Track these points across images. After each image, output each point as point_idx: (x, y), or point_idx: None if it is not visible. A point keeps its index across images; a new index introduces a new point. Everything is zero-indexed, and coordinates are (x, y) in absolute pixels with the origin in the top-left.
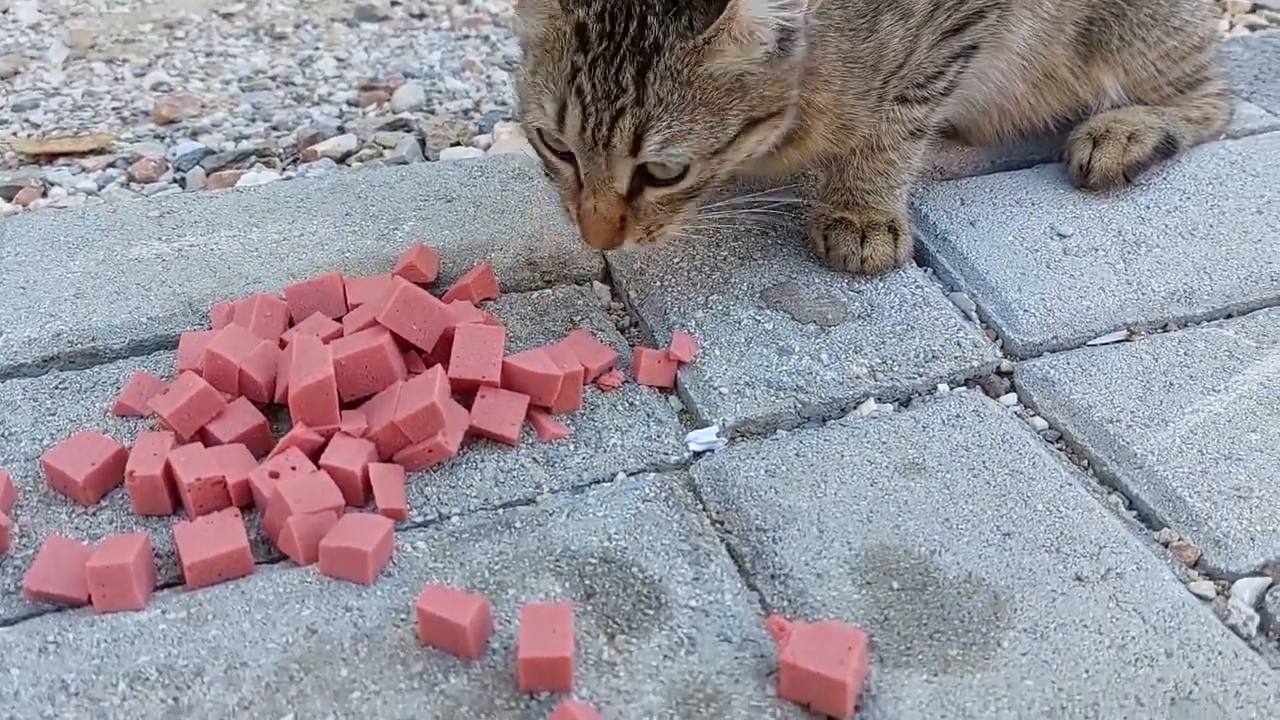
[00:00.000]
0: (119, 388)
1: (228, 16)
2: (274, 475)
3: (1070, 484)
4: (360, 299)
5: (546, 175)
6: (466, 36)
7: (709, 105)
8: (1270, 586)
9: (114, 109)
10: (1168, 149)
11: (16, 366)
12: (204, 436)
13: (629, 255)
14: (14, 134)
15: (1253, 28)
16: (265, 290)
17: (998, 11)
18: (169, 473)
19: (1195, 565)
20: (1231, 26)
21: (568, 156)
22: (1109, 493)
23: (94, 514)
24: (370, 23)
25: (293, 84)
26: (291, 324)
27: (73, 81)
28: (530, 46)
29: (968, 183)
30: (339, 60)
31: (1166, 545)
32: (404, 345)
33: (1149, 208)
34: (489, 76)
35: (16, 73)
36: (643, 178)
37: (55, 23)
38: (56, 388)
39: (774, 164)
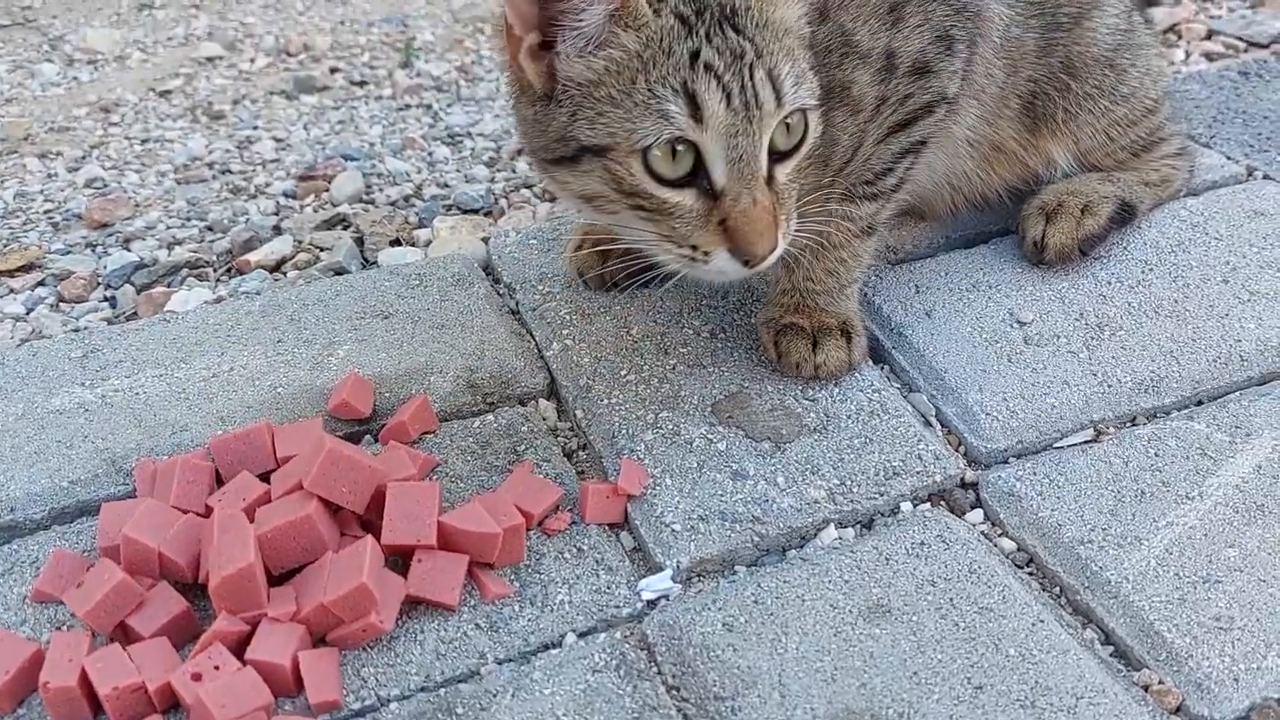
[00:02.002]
0: (39, 567)
1: (165, 95)
2: (196, 678)
3: (1043, 620)
4: (290, 450)
5: (647, 237)
6: (408, 106)
7: (792, 55)
8: None
9: (46, 212)
10: (1124, 217)
11: None
12: (125, 630)
13: (576, 369)
14: None
15: (1209, 56)
16: (192, 438)
17: (945, 107)
18: (86, 680)
19: (1177, 711)
20: (1188, 56)
21: (682, 182)
22: (1084, 626)
23: None
24: (309, 95)
25: (230, 172)
26: (219, 481)
27: (4, 181)
28: (603, 80)
29: (921, 266)
30: (277, 141)
31: (1146, 689)
32: (335, 506)
33: (1110, 283)
34: (430, 154)
35: None
36: (770, 157)
37: None
38: None
39: None
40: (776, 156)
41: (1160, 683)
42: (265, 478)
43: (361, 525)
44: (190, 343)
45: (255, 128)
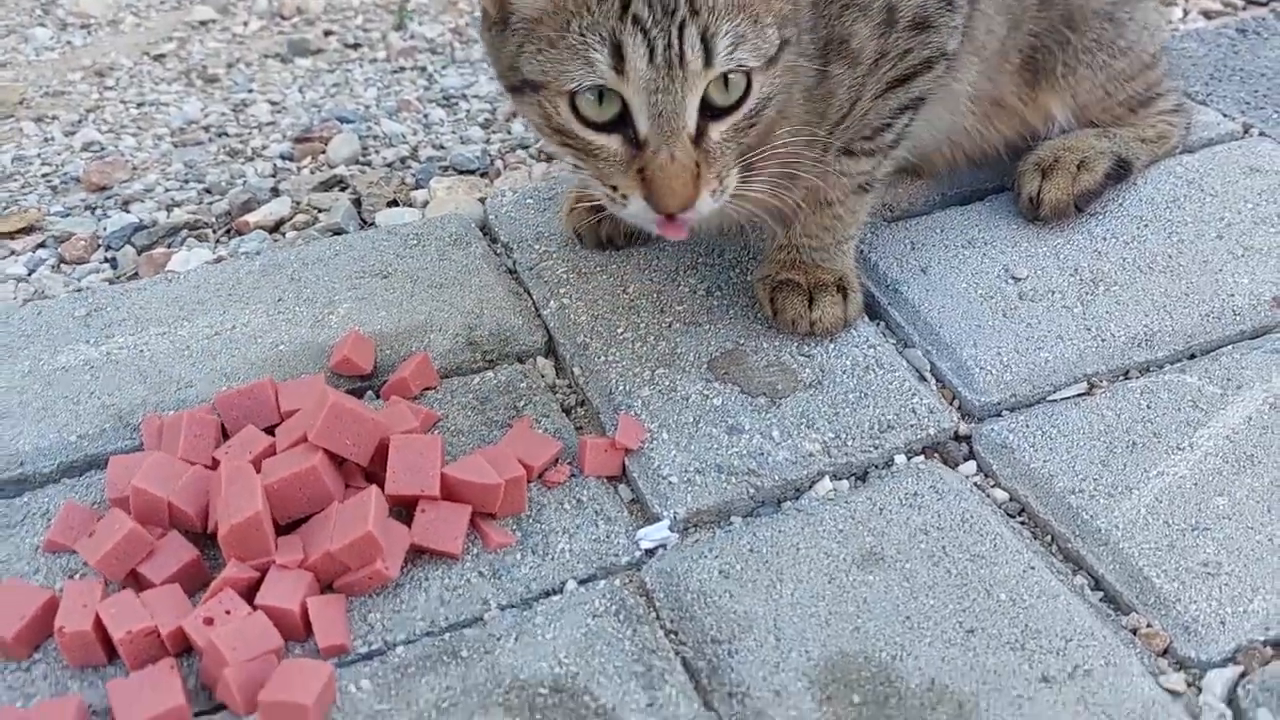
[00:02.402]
0: (50, 519)
1: (159, 58)
2: (208, 622)
3: (1034, 566)
4: (293, 405)
5: (575, 168)
6: (402, 69)
7: (746, 9)
8: (1241, 677)
9: (43, 176)
10: (1120, 173)
11: None
12: (136, 578)
13: (573, 327)
14: None
15: (1208, 14)
16: (197, 394)
17: (945, 63)
18: (100, 625)
19: (1165, 653)
20: (1185, 15)
21: (609, 126)
22: (1074, 572)
23: (27, 669)
24: (304, 57)
25: (226, 134)
26: (225, 435)
27: (1, 145)
28: (543, 19)
29: (917, 223)
30: (273, 104)
31: (1135, 632)
32: (339, 458)
33: (1105, 239)
34: (426, 115)
35: None
36: (705, 113)
37: None
38: None
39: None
40: (713, 113)
41: (1148, 626)
42: (269, 431)
43: (365, 477)
44: (192, 301)
45: (250, 91)
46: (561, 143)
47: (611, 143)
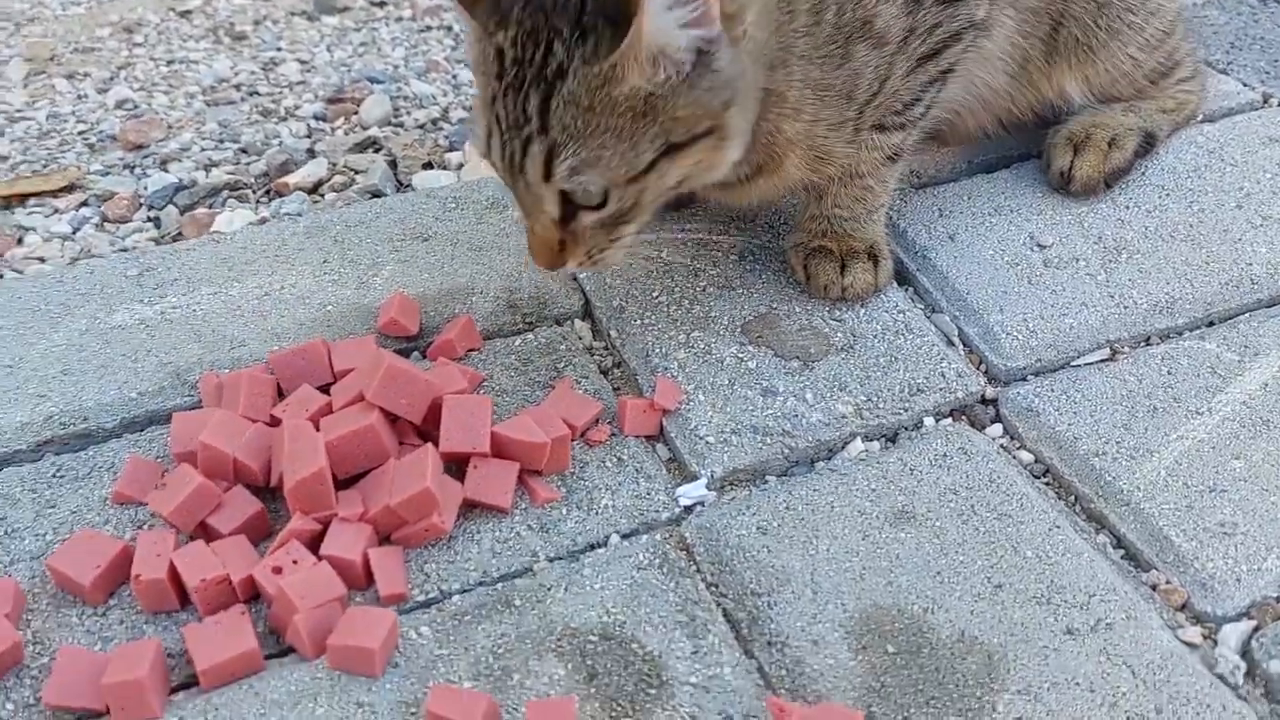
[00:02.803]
0: (115, 472)
1: (185, 15)
2: (277, 571)
3: (1059, 525)
4: (346, 364)
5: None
6: (429, 29)
7: (616, 131)
8: (1255, 631)
9: (80, 133)
10: (1147, 147)
11: (13, 454)
12: (205, 529)
13: (609, 290)
14: None
15: None
16: (250, 353)
17: (974, 32)
18: (174, 573)
19: (1183, 609)
20: None
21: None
22: (1097, 531)
23: (103, 614)
24: (330, 15)
25: (258, 94)
26: (281, 394)
27: (35, 102)
28: (473, 65)
29: (945, 190)
30: (302, 63)
31: (1154, 588)
32: (393, 417)
33: (1128, 208)
34: (455, 76)
35: None
36: (571, 203)
37: (11, 31)
38: (54, 476)
39: (744, 192)
40: (581, 205)
41: (1167, 582)
42: (323, 390)
43: (417, 434)
44: (240, 262)
45: (278, 49)
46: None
47: (491, 161)
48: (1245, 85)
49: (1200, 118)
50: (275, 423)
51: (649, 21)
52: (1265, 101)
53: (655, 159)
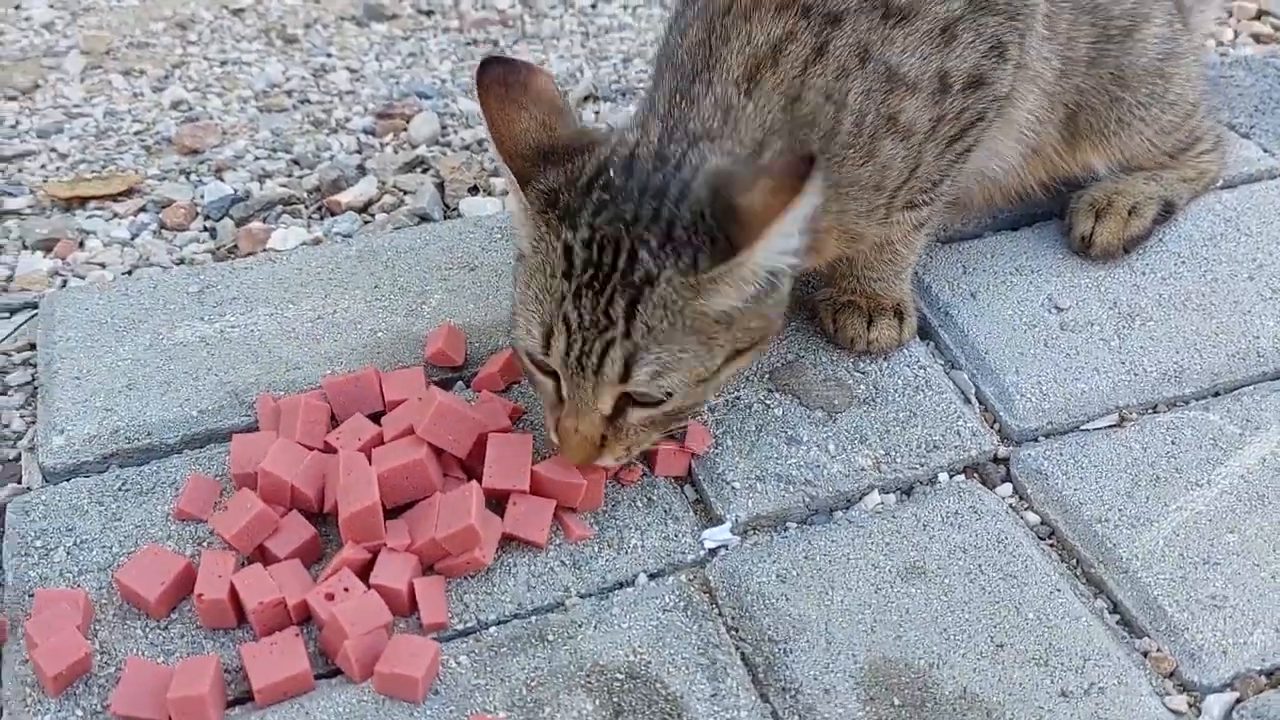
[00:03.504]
0: (177, 487)
1: (238, 13)
2: (329, 597)
3: (1060, 589)
4: (396, 394)
5: (530, 381)
6: (475, 42)
7: (699, 336)
8: (1237, 703)
9: (136, 134)
10: (1166, 215)
11: (80, 465)
12: (262, 551)
13: None
14: (45, 179)
15: (1257, 38)
16: (304, 376)
17: (997, 107)
18: (234, 594)
19: (1171, 676)
20: (1236, 36)
21: (551, 373)
22: (1095, 596)
23: (165, 628)
24: (379, 22)
25: (309, 102)
26: (334, 420)
27: (93, 97)
28: (523, 259)
29: (969, 246)
30: (351, 71)
31: (1146, 655)
32: (440, 450)
33: (1144, 274)
34: None
35: (36, 86)
36: (626, 399)
37: (68, 20)
38: (120, 489)
39: None
40: (634, 402)
41: (1158, 650)
42: (373, 417)
43: (462, 467)
44: (296, 284)
45: (329, 55)
46: (520, 359)
47: (547, 383)
48: (1266, 151)
49: (1220, 183)
50: (329, 449)
51: (762, 249)
52: None
53: (721, 364)
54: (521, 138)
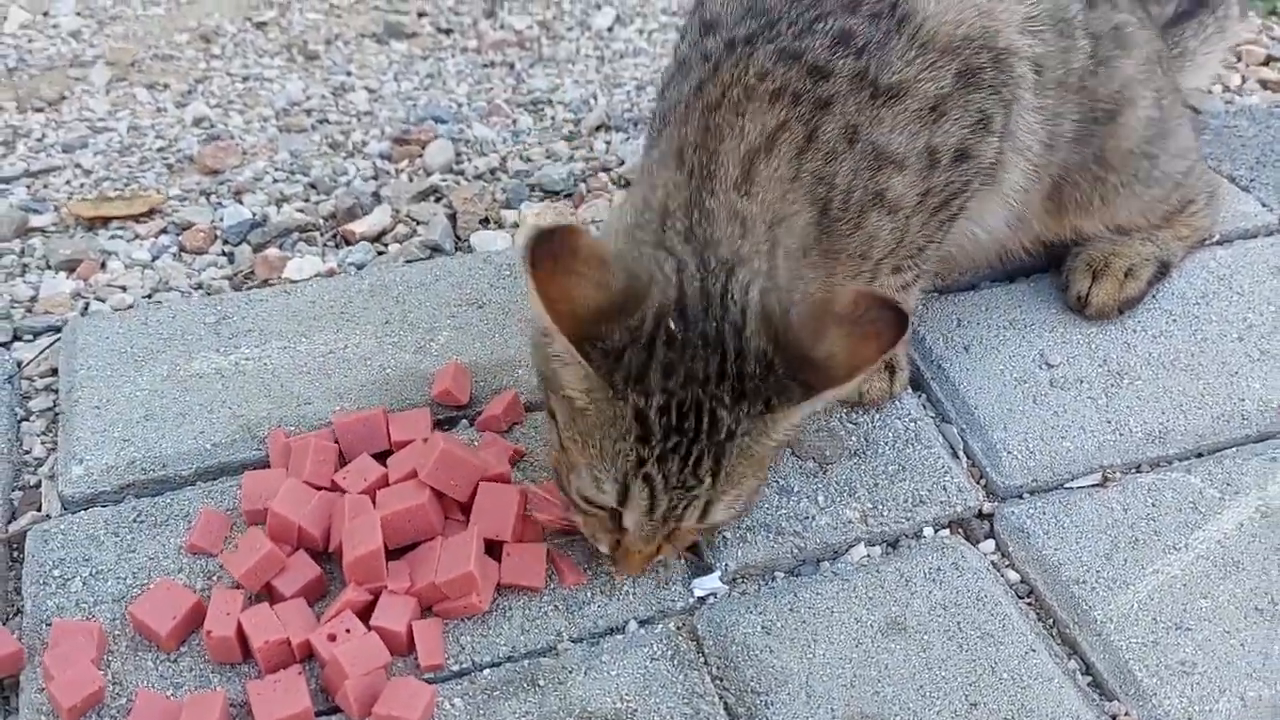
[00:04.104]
0: (189, 520)
1: (261, 26)
2: (332, 638)
3: (1035, 649)
4: (401, 435)
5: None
6: (492, 64)
7: (762, 461)
8: None
9: (159, 150)
10: (1161, 275)
11: (97, 495)
12: (269, 589)
13: None
14: (70, 196)
15: (1264, 84)
16: (315, 412)
17: (982, 176)
18: (241, 631)
19: None
20: (1244, 81)
21: (611, 512)
22: (1069, 656)
23: (175, 660)
24: (399, 40)
25: (327, 121)
26: (342, 458)
27: (117, 111)
28: (563, 402)
29: (965, 298)
30: (370, 91)
31: (1114, 719)
32: (442, 493)
33: (1135, 332)
34: (514, 121)
35: (63, 98)
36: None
37: (94, 29)
38: (134, 520)
39: None
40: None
41: (1127, 714)
42: (379, 456)
43: (462, 510)
44: (309, 317)
45: (348, 74)
46: (561, 481)
47: (603, 514)
48: (1264, 205)
49: (1217, 238)
50: (336, 487)
51: (849, 388)
52: None
53: (772, 461)
54: (580, 304)
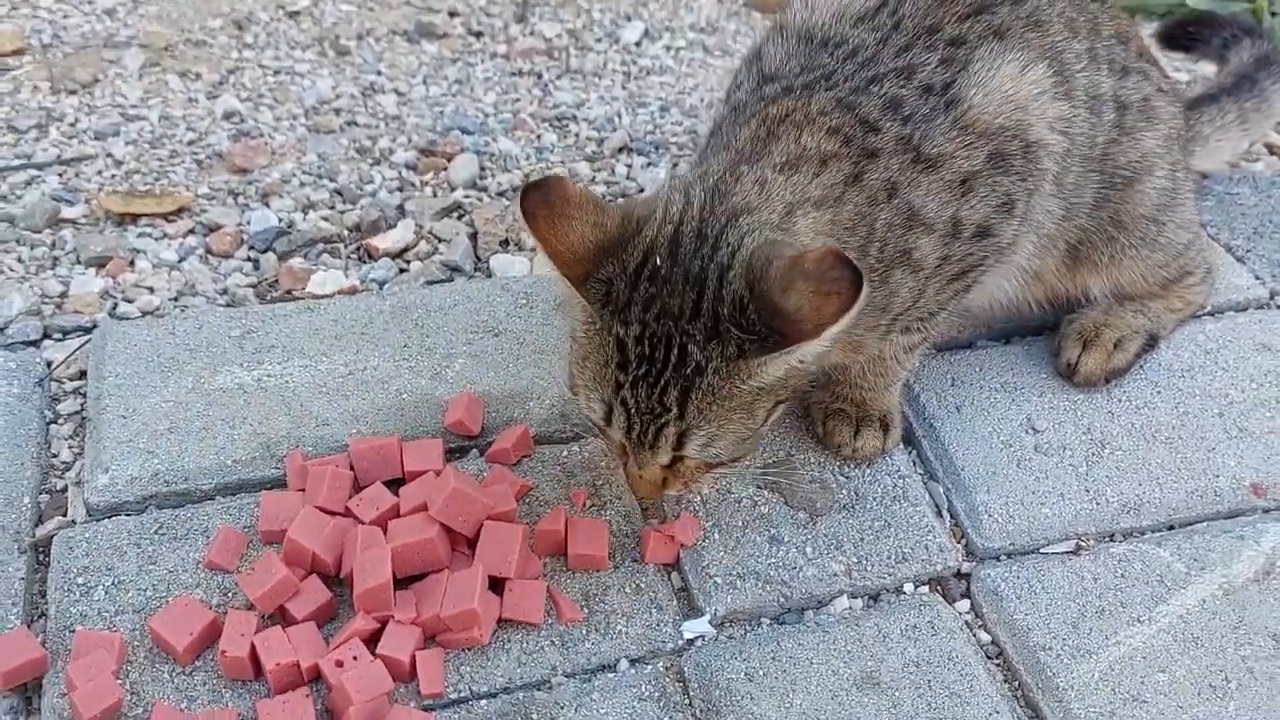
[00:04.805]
0: (208, 535)
1: (293, 15)
2: (339, 664)
3: (999, 711)
4: (414, 464)
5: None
6: (520, 73)
7: (745, 408)
8: None
9: (189, 144)
10: (1149, 347)
11: (121, 504)
12: (282, 611)
13: None
14: (100, 188)
15: (1271, 148)
16: (332, 433)
17: (998, 255)
18: (253, 652)
19: None
20: (1250, 146)
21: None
22: (1031, 719)
23: (190, 674)
24: (430, 40)
25: (356, 124)
26: (356, 483)
27: (149, 98)
28: (575, 336)
29: (961, 357)
30: (399, 94)
31: None
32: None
33: (1121, 401)
34: (539, 137)
35: (96, 80)
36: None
37: (129, 8)
38: (156, 532)
39: None
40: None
41: None
42: (391, 483)
43: (468, 544)
44: (331, 336)
45: (379, 73)
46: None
47: (613, 435)
48: (1257, 279)
49: (1208, 309)
50: (349, 513)
51: (814, 347)
52: (1272, 299)
53: (765, 418)
54: (578, 245)
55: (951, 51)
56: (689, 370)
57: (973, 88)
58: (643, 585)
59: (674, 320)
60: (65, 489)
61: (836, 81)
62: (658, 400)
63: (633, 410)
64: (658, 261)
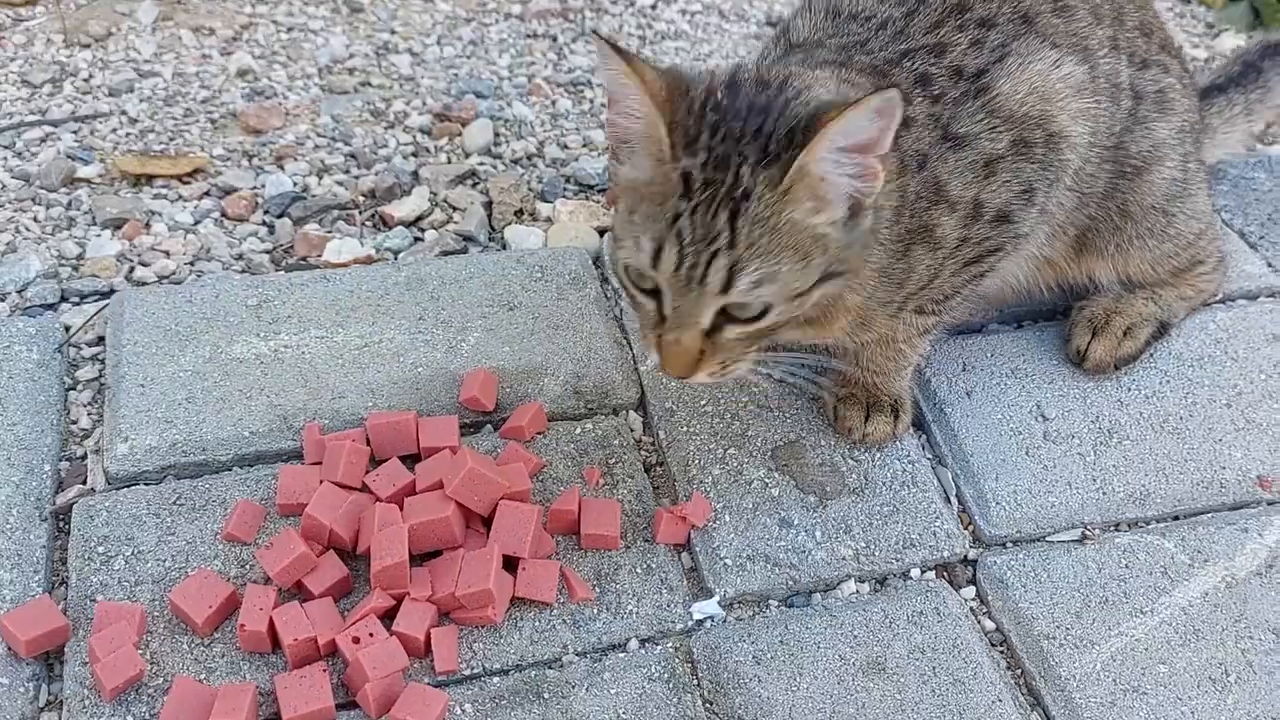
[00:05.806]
0: (226, 506)
1: None
2: (356, 640)
3: (1001, 699)
4: (430, 440)
5: (630, 303)
6: (535, 35)
7: (795, 250)
8: None
9: (203, 102)
10: (1160, 335)
11: (140, 473)
12: (300, 586)
13: (663, 390)
14: (115, 147)
15: None
16: (348, 405)
17: (1015, 243)
18: (272, 627)
19: None
20: (1268, 128)
21: (651, 293)
22: (1032, 708)
23: (209, 645)
24: None
25: (370, 85)
26: (373, 458)
27: (162, 54)
28: (631, 188)
29: (972, 341)
30: (413, 55)
31: None
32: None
33: (1130, 390)
34: (553, 103)
35: (109, 34)
36: (724, 315)
37: None
38: (174, 502)
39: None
40: (731, 319)
41: None
42: (407, 458)
43: (483, 522)
44: (347, 307)
45: (393, 31)
46: (618, 272)
47: (648, 304)
48: (1270, 266)
49: (1220, 297)
50: (366, 489)
51: (814, 156)
52: None
53: (815, 283)
54: (658, 86)
55: (982, 33)
56: (739, 193)
57: (1002, 78)
58: (654, 565)
59: (736, 141)
60: (84, 456)
61: (872, 49)
62: (709, 224)
63: (686, 240)
64: (720, 97)
